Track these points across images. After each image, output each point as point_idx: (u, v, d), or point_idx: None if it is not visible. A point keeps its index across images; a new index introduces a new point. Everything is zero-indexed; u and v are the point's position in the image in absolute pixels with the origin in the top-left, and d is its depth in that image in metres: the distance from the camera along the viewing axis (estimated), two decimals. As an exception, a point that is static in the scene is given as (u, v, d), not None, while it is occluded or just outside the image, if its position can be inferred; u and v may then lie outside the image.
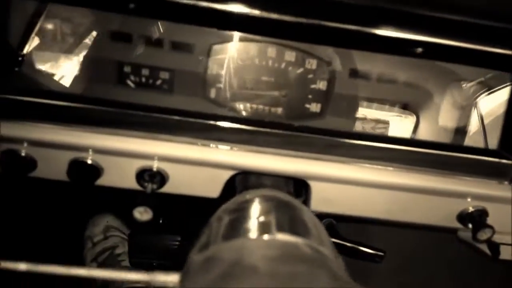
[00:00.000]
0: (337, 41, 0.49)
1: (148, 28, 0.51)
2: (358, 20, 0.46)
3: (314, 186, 0.55)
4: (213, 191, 0.55)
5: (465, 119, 0.60)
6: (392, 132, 0.62)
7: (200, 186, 0.55)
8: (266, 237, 0.32)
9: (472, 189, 0.55)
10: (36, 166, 0.51)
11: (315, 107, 0.56)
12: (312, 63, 0.55)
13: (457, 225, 0.58)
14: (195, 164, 0.52)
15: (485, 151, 0.55)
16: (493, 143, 0.56)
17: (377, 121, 0.61)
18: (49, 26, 0.55)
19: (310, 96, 0.56)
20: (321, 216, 0.48)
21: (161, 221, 0.81)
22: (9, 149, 0.50)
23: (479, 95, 0.59)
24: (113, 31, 0.51)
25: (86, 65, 0.54)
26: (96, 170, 0.52)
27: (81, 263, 1.11)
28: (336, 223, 0.69)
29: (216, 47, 0.52)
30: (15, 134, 0.49)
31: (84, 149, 0.51)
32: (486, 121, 0.58)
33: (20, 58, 0.51)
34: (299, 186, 0.59)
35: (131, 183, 0.53)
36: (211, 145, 0.51)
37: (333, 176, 0.53)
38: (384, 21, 0.46)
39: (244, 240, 0.32)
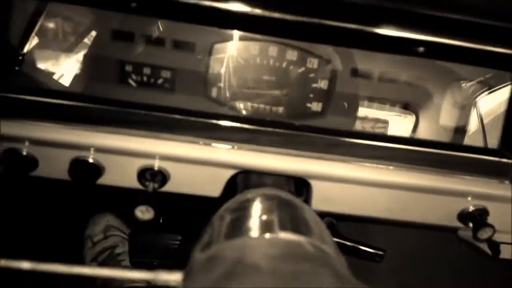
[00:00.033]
0: (338, 40, 0.49)
1: (150, 27, 0.51)
2: (360, 19, 0.46)
3: (315, 185, 0.55)
4: (214, 190, 0.55)
5: (464, 118, 0.60)
6: (392, 131, 0.62)
7: (201, 185, 0.55)
8: (268, 235, 0.32)
9: (472, 188, 0.55)
10: (37, 165, 0.51)
11: (316, 106, 0.56)
12: (313, 62, 0.55)
13: (458, 224, 0.58)
14: (196, 163, 0.53)
15: (485, 150, 0.55)
16: (492, 142, 0.56)
17: (377, 120, 0.61)
18: (50, 25, 0.55)
19: (311, 95, 0.56)
20: (321, 215, 0.48)
21: (161, 221, 0.81)
22: (10, 148, 0.50)
23: (478, 95, 0.59)
24: (115, 30, 0.51)
25: (87, 64, 0.54)
26: (97, 169, 0.52)
27: (80, 262, 1.11)
28: (336, 222, 0.69)
29: (217, 46, 0.52)
30: (16, 133, 0.49)
31: (86, 148, 0.51)
32: (485, 121, 0.59)
33: (20, 57, 0.51)
34: (299, 185, 0.59)
35: (132, 182, 0.53)
36: (213, 144, 0.51)
37: (334, 175, 0.54)
38: (386, 20, 0.46)
39: (246, 239, 0.32)
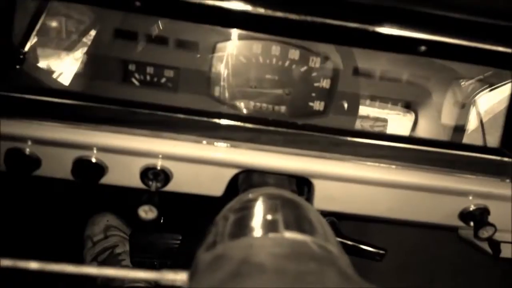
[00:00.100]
0: (340, 39, 0.49)
1: (153, 26, 0.51)
2: (362, 18, 0.46)
3: (317, 184, 0.55)
4: (217, 189, 0.55)
5: (463, 117, 0.60)
6: (391, 130, 0.62)
7: (204, 184, 0.55)
8: (273, 235, 0.32)
9: (473, 187, 0.55)
10: (40, 164, 0.51)
11: (318, 105, 0.57)
12: (315, 61, 0.55)
13: (459, 223, 0.58)
14: (199, 163, 0.53)
15: (486, 149, 0.55)
16: (491, 140, 0.57)
17: (376, 119, 0.61)
18: (53, 23, 0.54)
19: (313, 94, 0.56)
20: (323, 214, 0.48)
21: (162, 220, 0.81)
22: (14, 147, 0.50)
23: (478, 93, 0.60)
24: (118, 29, 0.51)
25: (90, 63, 0.54)
26: (100, 169, 0.52)
27: (80, 262, 1.10)
28: (337, 222, 0.69)
29: (220, 45, 0.52)
30: (19, 133, 0.49)
31: (89, 147, 0.51)
32: (484, 119, 0.59)
33: (22, 56, 0.51)
34: (301, 184, 0.59)
35: (135, 181, 0.53)
36: (215, 143, 0.51)
37: (336, 174, 0.54)
38: (388, 19, 0.47)
39: (252, 238, 0.32)
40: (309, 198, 0.58)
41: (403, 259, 0.96)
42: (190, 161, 0.52)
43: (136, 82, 0.54)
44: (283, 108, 0.56)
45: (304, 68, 0.55)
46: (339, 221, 0.69)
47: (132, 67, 0.53)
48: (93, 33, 0.55)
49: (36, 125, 0.49)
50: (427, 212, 0.58)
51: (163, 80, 0.54)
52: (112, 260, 1.07)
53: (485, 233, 0.54)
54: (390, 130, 0.62)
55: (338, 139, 0.52)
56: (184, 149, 0.51)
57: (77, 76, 0.55)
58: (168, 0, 0.44)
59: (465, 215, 0.57)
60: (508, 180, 0.55)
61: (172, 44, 0.52)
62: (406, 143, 0.53)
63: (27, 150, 0.50)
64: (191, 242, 0.77)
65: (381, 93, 0.60)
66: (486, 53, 0.48)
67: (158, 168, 0.52)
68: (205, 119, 0.50)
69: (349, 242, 0.69)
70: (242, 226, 0.35)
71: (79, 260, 1.10)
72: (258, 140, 0.52)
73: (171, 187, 0.54)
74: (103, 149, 0.51)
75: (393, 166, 0.54)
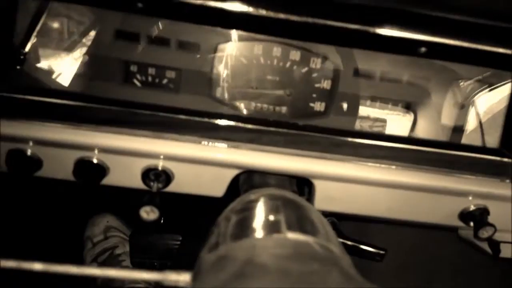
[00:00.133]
0: (341, 41, 0.50)
1: (155, 27, 0.51)
2: (363, 20, 0.47)
3: (318, 184, 0.55)
4: (218, 190, 0.56)
5: (462, 117, 0.60)
6: (390, 130, 0.62)
7: (205, 185, 0.55)
8: (276, 236, 0.32)
9: (473, 188, 0.55)
10: (41, 165, 0.51)
11: (319, 106, 0.57)
12: (316, 62, 0.55)
13: (459, 223, 0.58)
14: (200, 163, 0.53)
15: (486, 150, 0.56)
16: (490, 140, 0.57)
17: (375, 119, 0.62)
18: (53, 24, 0.54)
19: (314, 95, 0.56)
20: (324, 214, 0.48)
21: (162, 221, 0.81)
22: (15, 148, 0.50)
23: (476, 93, 0.60)
24: (119, 30, 0.51)
25: (92, 64, 0.54)
26: (102, 170, 0.52)
27: (80, 263, 1.10)
28: (338, 222, 0.70)
29: (221, 46, 0.53)
30: (20, 134, 0.49)
31: (90, 148, 0.51)
32: (483, 119, 0.59)
33: (22, 57, 0.51)
34: (301, 185, 0.60)
35: (136, 182, 0.53)
36: (216, 144, 0.52)
37: (337, 175, 0.54)
38: (388, 21, 0.47)
39: (255, 239, 0.32)
40: (310, 198, 0.58)
41: (403, 259, 0.96)
42: (192, 161, 0.53)
43: (138, 83, 0.54)
44: (284, 109, 0.57)
45: (305, 69, 0.55)
46: (339, 221, 0.69)
47: (133, 68, 0.53)
48: (94, 34, 0.55)
49: (37, 126, 0.49)
50: (427, 212, 0.58)
51: (165, 81, 0.54)
52: (112, 261, 1.07)
53: (485, 233, 0.55)
54: (389, 130, 0.62)
55: (339, 139, 0.52)
56: (186, 149, 0.51)
57: (78, 76, 0.55)
58: (169, 2, 0.44)
59: (465, 215, 0.57)
60: (507, 181, 0.55)
61: (174, 45, 0.52)
62: (406, 144, 0.53)
63: (29, 151, 0.50)
64: (191, 242, 0.77)
65: (381, 93, 0.61)
66: (486, 55, 0.48)
67: (160, 168, 0.52)
68: (206, 120, 0.50)
69: (349, 242, 0.69)
70: (244, 227, 0.35)
71: (79, 261, 1.10)
72: (259, 140, 0.52)
73: (172, 187, 0.54)
74: (105, 150, 0.51)
75: (394, 167, 0.54)
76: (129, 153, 0.51)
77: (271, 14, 0.46)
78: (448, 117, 0.61)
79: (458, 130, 0.60)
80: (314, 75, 0.56)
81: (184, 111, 0.50)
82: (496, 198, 0.56)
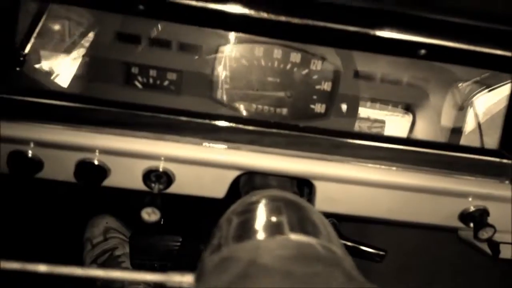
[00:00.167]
0: (342, 43, 0.50)
1: (156, 29, 0.51)
2: (363, 23, 0.47)
3: (319, 186, 0.56)
4: (219, 191, 0.56)
5: (461, 118, 0.60)
6: (389, 131, 0.63)
7: (206, 186, 0.55)
8: (279, 237, 0.32)
9: (473, 189, 0.56)
10: (42, 167, 0.51)
11: (319, 108, 0.57)
12: (317, 64, 0.55)
13: (459, 224, 0.59)
14: (201, 165, 0.53)
15: (485, 151, 0.56)
16: (489, 141, 0.57)
17: (374, 120, 0.62)
18: (54, 25, 0.55)
19: (315, 97, 0.57)
20: (324, 215, 0.48)
21: (162, 222, 0.81)
22: (16, 150, 0.50)
23: (475, 95, 0.60)
24: (121, 32, 0.52)
25: (93, 65, 0.54)
26: (103, 171, 0.52)
27: (80, 265, 1.10)
28: (338, 223, 0.70)
29: (222, 48, 0.53)
30: (21, 135, 0.49)
31: (91, 149, 0.51)
32: (482, 120, 0.59)
33: (22, 58, 0.51)
34: (301, 186, 0.60)
35: (137, 183, 0.53)
36: (217, 145, 0.52)
37: (338, 176, 0.54)
38: (388, 23, 0.47)
39: (258, 240, 0.32)
40: (310, 199, 0.58)
41: (403, 260, 0.96)
42: (193, 163, 0.53)
43: (139, 85, 0.54)
44: (284, 111, 0.57)
45: (305, 71, 0.55)
46: (339, 222, 0.69)
47: (134, 69, 0.53)
48: (95, 35, 0.55)
49: (38, 128, 0.50)
50: (428, 213, 0.58)
51: (166, 82, 0.54)
52: (111, 262, 1.07)
53: (485, 234, 0.55)
54: (388, 131, 0.62)
55: (340, 141, 0.53)
56: (187, 151, 0.51)
57: (78, 78, 0.55)
58: (171, 4, 0.44)
59: (465, 216, 0.57)
60: (507, 182, 0.56)
61: (175, 47, 0.53)
62: (406, 145, 0.54)
63: (30, 153, 0.50)
64: (192, 244, 0.77)
65: (381, 95, 0.61)
66: (485, 57, 0.49)
67: (161, 170, 0.52)
68: (207, 121, 0.51)
69: (350, 244, 0.69)
70: (246, 229, 0.35)
71: (79, 262, 1.10)
72: (260, 142, 0.52)
73: (173, 189, 0.54)
74: (106, 152, 0.51)
75: (394, 168, 0.54)
76: (130, 155, 0.51)
77: (272, 16, 0.46)
78: (447, 118, 0.61)
79: (457, 131, 0.61)
80: (315, 77, 0.56)
81: (185, 112, 0.50)
82: (495, 199, 0.56)
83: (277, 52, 0.54)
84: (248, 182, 0.56)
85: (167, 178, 0.53)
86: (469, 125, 0.61)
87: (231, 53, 0.54)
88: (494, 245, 0.61)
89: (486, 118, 0.59)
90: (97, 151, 0.51)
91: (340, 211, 0.58)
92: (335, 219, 0.69)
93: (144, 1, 0.44)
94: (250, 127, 0.51)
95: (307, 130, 0.52)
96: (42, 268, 0.27)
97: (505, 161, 0.55)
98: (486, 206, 0.57)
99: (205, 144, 0.52)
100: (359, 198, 0.57)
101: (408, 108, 0.63)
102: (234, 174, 0.55)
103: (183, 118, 0.50)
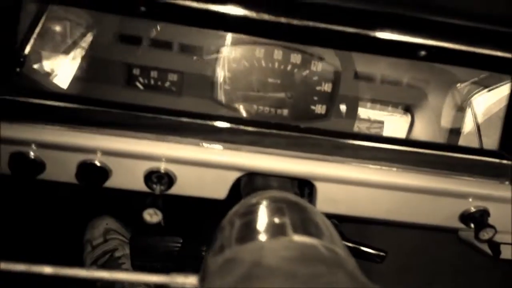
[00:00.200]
0: (343, 44, 0.50)
1: (158, 30, 0.52)
2: (364, 24, 0.47)
3: (320, 187, 0.56)
4: (220, 192, 0.56)
5: (459, 118, 0.61)
6: (387, 131, 0.63)
7: (207, 187, 0.55)
8: (283, 238, 0.32)
9: (473, 190, 0.56)
10: (44, 168, 0.51)
11: (320, 109, 0.57)
12: (317, 65, 0.55)
13: (460, 225, 0.59)
14: (202, 166, 0.53)
15: (486, 152, 0.56)
16: (488, 142, 0.57)
17: (373, 121, 0.62)
18: (54, 26, 0.55)
19: (315, 98, 0.57)
20: (325, 216, 0.49)
21: (162, 223, 0.81)
22: (18, 151, 0.50)
23: (474, 95, 0.60)
24: (122, 33, 0.52)
25: (94, 66, 0.54)
26: (104, 172, 0.52)
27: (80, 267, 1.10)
28: (338, 224, 0.70)
29: (224, 49, 0.53)
30: (23, 137, 0.49)
31: (93, 151, 0.51)
32: (481, 121, 0.60)
33: (25, 59, 0.51)
34: (302, 187, 0.60)
35: (139, 185, 0.53)
36: (219, 146, 0.52)
37: (339, 177, 0.54)
38: (389, 25, 0.47)
39: (262, 241, 0.32)
40: (311, 200, 0.58)
41: (403, 261, 0.97)
42: (194, 164, 0.53)
43: (140, 86, 0.54)
44: (285, 112, 0.57)
45: (306, 72, 0.56)
46: (340, 223, 0.69)
47: (136, 71, 0.53)
48: (96, 36, 0.55)
49: (40, 129, 0.50)
50: (428, 214, 0.59)
51: (167, 84, 0.54)
52: (112, 264, 1.07)
53: (485, 234, 0.55)
54: (387, 131, 0.63)
55: (341, 142, 0.53)
56: (188, 152, 0.52)
57: (79, 79, 0.55)
58: (172, 6, 0.44)
59: (465, 217, 0.58)
60: (507, 182, 0.56)
61: (176, 48, 0.53)
62: (407, 146, 0.54)
63: (32, 154, 0.50)
64: (192, 245, 0.77)
65: (380, 96, 0.61)
66: (485, 58, 0.49)
67: (162, 171, 0.52)
68: (209, 122, 0.51)
69: (350, 244, 0.69)
70: (250, 230, 0.35)
71: (79, 264, 1.10)
72: (260, 143, 0.52)
73: (174, 190, 0.55)
74: (107, 153, 0.51)
75: (395, 169, 0.54)
76: (131, 156, 0.51)
77: (272, 18, 0.46)
78: (446, 119, 0.62)
79: (455, 131, 0.61)
80: (315, 78, 0.56)
81: (186, 113, 0.50)
82: (496, 200, 0.56)
83: (278, 53, 0.54)
84: (249, 183, 0.56)
85: (168, 179, 0.53)
86: (468, 125, 0.61)
87: (232, 54, 0.54)
88: (495, 246, 0.62)
89: (484, 118, 0.59)
90: (98, 152, 0.51)
91: (341, 212, 0.58)
92: (335, 220, 0.69)
93: (146, 3, 0.44)
94: (251, 128, 0.52)
95: (308, 131, 0.53)
96: (47, 269, 0.27)
97: (505, 162, 0.55)
98: (487, 206, 0.57)
99: (206, 145, 0.52)
100: (360, 199, 0.57)
101: (407, 109, 0.63)
102: (235, 175, 0.55)
103: (184, 119, 0.50)
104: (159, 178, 0.53)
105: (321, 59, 0.55)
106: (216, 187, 0.55)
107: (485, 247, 0.64)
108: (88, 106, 0.49)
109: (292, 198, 0.43)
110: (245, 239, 0.34)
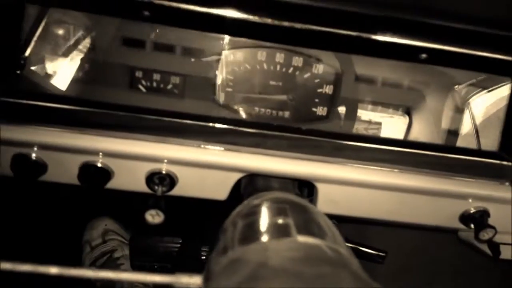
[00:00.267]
0: (344, 48, 0.50)
1: (160, 34, 0.52)
2: (365, 28, 0.47)
3: (321, 188, 0.56)
4: (222, 193, 0.56)
5: (457, 120, 0.61)
6: (385, 132, 0.63)
7: (209, 188, 0.56)
8: (287, 239, 0.33)
9: (473, 190, 0.56)
10: (46, 170, 0.52)
11: (321, 111, 0.57)
12: (318, 68, 0.56)
13: (460, 225, 0.59)
14: (204, 167, 0.53)
15: (486, 153, 0.57)
16: (488, 143, 0.58)
17: (372, 122, 0.62)
18: (57, 29, 0.55)
19: (316, 100, 0.57)
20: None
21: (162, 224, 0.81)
22: (20, 153, 0.50)
23: (473, 96, 0.61)
24: (125, 36, 0.52)
25: (97, 69, 0.54)
26: (106, 174, 0.52)
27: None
28: (338, 224, 0.70)
29: (226, 52, 0.53)
30: (25, 138, 0.50)
31: (95, 152, 0.51)
32: (480, 122, 0.60)
33: (26, 62, 0.51)
34: (301, 187, 0.60)
35: (141, 186, 0.53)
36: (220, 148, 0.52)
37: (340, 178, 0.55)
38: (390, 28, 0.48)
39: (267, 242, 0.33)
40: (312, 201, 0.58)
41: (403, 261, 0.97)
42: (195, 165, 0.53)
43: (143, 89, 0.54)
44: (287, 114, 0.57)
45: (307, 75, 0.56)
46: (340, 223, 0.70)
47: (138, 73, 0.53)
48: (98, 39, 0.55)
49: (42, 131, 0.50)
50: (429, 214, 0.59)
51: (170, 86, 0.54)
52: (111, 264, 1.07)
53: (485, 235, 0.55)
54: (386, 133, 0.63)
55: (342, 143, 0.53)
56: (189, 154, 0.52)
57: (82, 82, 0.55)
58: (175, 10, 0.45)
59: (465, 218, 0.58)
60: (507, 183, 0.56)
61: (179, 51, 0.53)
62: (408, 148, 0.54)
63: (34, 156, 0.51)
64: (191, 245, 0.77)
65: (381, 98, 0.62)
66: (486, 61, 0.50)
67: (164, 172, 0.53)
68: (210, 124, 0.51)
69: (350, 245, 0.70)
70: (253, 231, 0.36)
71: (78, 265, 1.10)
72: (262, 144, 0.52)
73: (176, 191, 0.55)
74: (109, 154, 0.51)
75: (396, 170, 0.55)
76: (133, 157, 0.52)
77: (274, 22, 0.46)
78: (445, 120, 0.62)
79: (454, 133, 0.61)
80: (316, 80, 0.56)
81: (188, 116, 0.51)
82: (496, 201, 0.57)
83: (279, 56, 0.54)
84: (250, 184, 0.56)
85: (170, 180, 0.53)
86: (466, 126, 0.61)
87: (234, 57, 0.54)
88: (494, 246, 0.62)
89: (482, 119, 0.60)
90: (100, 154, 0.51)
91: (342, 212, 0.59)
92: (336, 220, 0.69)
93: (149, 7, 0.44)
94: (253, 130, 0.52)
95: (309, 132, 0.53)
96: (53, 270, 0.27)
97: (505, 163, 0.55)
98: (487, 207, 0.57)
99: (208, 146, 0.52)
100: (361, 200, 0.57)
101: (406, 111, 0.64)
102: (237, 176, 0.55)
103: (186, 121, 0.50)
104: (161, 180, 0.53)
105: (322, 61, 0.56)
106: (217, 188, 0.56)
107: (485, 248, 0.64)
108: (91, 108, 0.49)
109: (295, 199, 0.44)
110: (249, 240, 0.34)
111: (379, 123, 0.62)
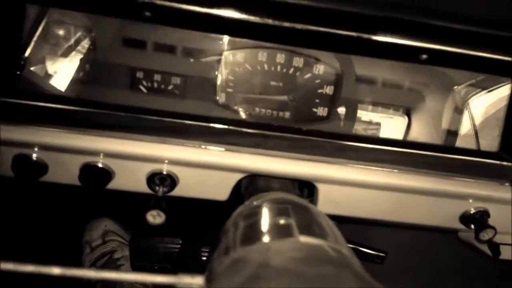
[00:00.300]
0: (345, 48, 0.50)
1: (161, 34, 0.52)
2: (366, 29, 0.48)
3: (322, 188, 0.56)
4: (222, 194, 0.56)
5: (457, 120, 0.61)
6: (384, 133, 0.63)
7: (209, 189, 0.56)
8: (290, 239, 0.33)
9: (474, 191, 0.56)
10: (47, 170, 0.52)
11: (322, 111, 0.58)
12: (319, 69, 0.56)
13: (460, 226, 0.59)
14: (204, 168, 0.53)
15: (486, 154, 0.57)
16: (487, 143, 0.58)
17: (372, 123, 0.62)
18: (58, 30, 0.55)
19: (317, 101, 0.57)
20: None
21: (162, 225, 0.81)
22: (21, 153, 0.50)
23: (472, 96, 0.61)
24: (126, 37, 0.52)
25: (98, 70, 0.54)
26: (107, 174, 0.52)
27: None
28: (338, 225, 0.70)
29: (226, 53, 0.53)
30: (26, 139, 0.50)
31: (96, 153, 0.51)
32: (480, 122, 0.60)
33: (26, 62, 0.51)
34: (301, 188, 0.60)
35: (142, 186, 0.53)
36: (221, 148, 0.52)
37: (341, 179, 0.55)
38: (391, 29, 0.48)
39: (269, 242, 0.33)
40: (313, 201, 0.58)
41: (403, 261, 0.97)
42: (196, 166, 0.53)
43: (144, 89, 0.54)
44: (287, 114, 0.57)
45: (308, 75, 0.56)
46: (340, 224, 0.70)
47: (139, 74, 0.53)
48: (99, 40, 0.55)
49: (43, 132, 0.50)
50: (429, 215, 0.59)
51: (170, 87, 0.54)
52: (111, 265, 1.07)
53: (485, 235, 0.55)
54: (384, 133, 0.63)
55: (342, 144, 0.53)
56: (190, 154, 0.52)
57: (83, 83, 0.55)
58: (176, 10, 0.45)
59: (465, 218, 0.58)
60: (507, 184, 0.56)
61: (179, 52, 0.53)
62: (408, 148, 0.54)
63: (34, 156, 0.51)
64: (192, 246, 0.77)
65: (382, 99, 0.62)
66: (486, 61, 0.50)
67: (165, 173, 0.53)
68: (211, 125, 0.51)
69: (350, 245, 0.70)
70: (255, 232, 0.36)
71: (78, 266, 1.09)
72: (263, 145, 0.52)
73: (177, 192, 0.55)
74: (110, 155, 0.51)
75: (396, 171, 0.55)
76: (134, 158, 0.52)
77: (275, 22, 0.46)
78: (444, 121, 0.62)
79: (454, 133, 0.61)
80: (317, 81, 0.56)
81: (189, 116, 0.51)
82: (496, 201, 0.57)
83: (280, 57, 0.55)
84: (250, 184, 0.56)
85: (171, 181, 0.53)
86: (465, 127, 0.61)
87: (235, 57, 0.54)
88: (494, 246, 0.62)
89: (482, 120, 0.60)
90: (101, 154, 0.51)
91: (342, 213, 0.59)
92: (336, 221, 0.69)
93: (150, 8, 0.44)
94: (253, 131, 0.52)
95: (310, 133, 0.53)
96: (55, 270, 0.27)
97: (505, 163, 0.55)
98: (487, 208, 0.57)
99: (209, 147, 0.52)
100: (361, 200, 0.57)
101: (406, 111, 0.64)
102: (238, 177, 0.55)
103: (187, 122, 0.50)
104: (162, 180, 0.53)
105: (323, 62, 0.56)
106: (218, 188, 0.56)
107: (485, 248, 0.64)
108: (92, 109, 0.49)
109: (296, 200, 0.44)
110: (251, 240, 0.34)
111: (379, 124, 0.62)
